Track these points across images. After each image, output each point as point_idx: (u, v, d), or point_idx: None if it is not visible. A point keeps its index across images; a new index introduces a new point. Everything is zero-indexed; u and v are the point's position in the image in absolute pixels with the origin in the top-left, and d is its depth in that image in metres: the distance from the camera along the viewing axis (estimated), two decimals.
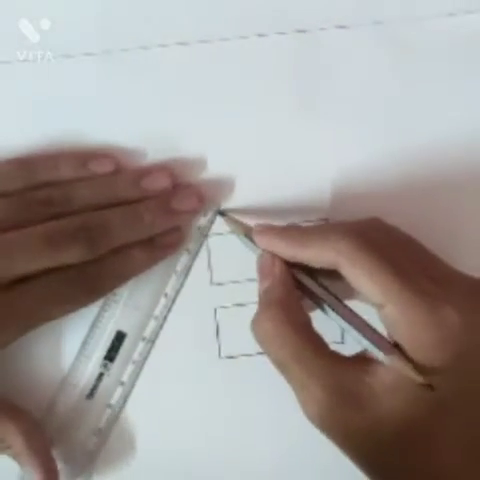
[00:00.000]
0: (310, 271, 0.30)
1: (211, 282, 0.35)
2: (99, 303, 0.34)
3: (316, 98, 0.35)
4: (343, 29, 0.36)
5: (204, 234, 0.35)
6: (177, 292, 0.35)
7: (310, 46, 0.35)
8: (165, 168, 0.34)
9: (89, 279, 0.32)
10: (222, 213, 0.35)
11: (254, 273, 0.35)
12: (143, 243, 0.33)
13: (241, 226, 0.33)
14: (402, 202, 0.35)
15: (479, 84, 0.36)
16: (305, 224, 0.35)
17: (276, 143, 0.35)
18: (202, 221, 0.35)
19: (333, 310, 0.29)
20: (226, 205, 0.35)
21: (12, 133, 0.34)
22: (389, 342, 0.28)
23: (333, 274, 0.28)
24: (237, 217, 0.34)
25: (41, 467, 0.32)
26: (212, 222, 0.35)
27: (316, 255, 0.29)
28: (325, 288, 0.30)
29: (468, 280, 0.29)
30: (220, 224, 0.35)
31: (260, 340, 0.29)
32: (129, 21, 0.35)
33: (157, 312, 0.34)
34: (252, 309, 0.35)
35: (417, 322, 0.27)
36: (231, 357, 0.35)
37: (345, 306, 0.29)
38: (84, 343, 0.34)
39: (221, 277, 0.35)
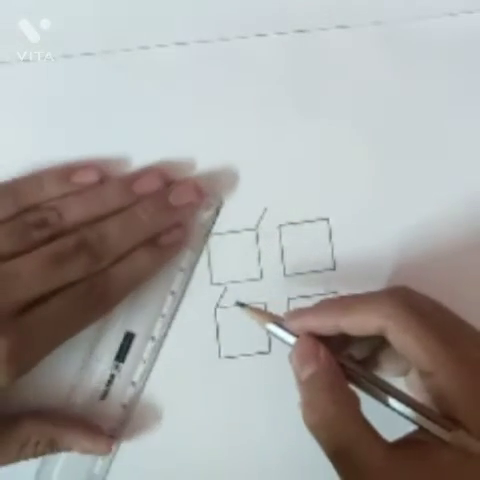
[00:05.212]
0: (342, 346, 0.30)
1: (211, 282, 0.35)
2: None
3: (316, 98, 0.35)
4: (343, 29, 0.36)
5: (207, 230, 0.35)
6: (183, 290, 0.35)
7: (310, 46, 0.35)
8: (154, 169, 0.34)
9: (100, 289, 0.32)
10: (242, 304, 0.32)
11: (255, 273, 0.35)
12: (147, 245, 0.33)
13: (267, 315, 0.31)
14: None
15: (479, 83, 0.36)
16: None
17: (275, 142, 0.35)
18: (204, 217, 0.35)
19: (386, 393, 0.28)
20: (227, 199, 0.35)
21: (12, 132, 0.34)
22: (447, 419, 0.27)
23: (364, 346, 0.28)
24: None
25: (79, 432, 0.33)
26: (214, 218, 0.35)
27: (361, 321, 0.28)
28: (368, 370, 0.29)
29: None
30: (220, 223, 0.35)
31: (316, 426, 0.28)
32: (129, 21, 0.35)
33: (165, 311, 0.35)
34: None
35: (470, 390, 0.26)
36: (231, 357, 0.35)
37: (396, 388, 0.28)
38: (93, 346, 0.34)
39: (221, 277, 0.35)
